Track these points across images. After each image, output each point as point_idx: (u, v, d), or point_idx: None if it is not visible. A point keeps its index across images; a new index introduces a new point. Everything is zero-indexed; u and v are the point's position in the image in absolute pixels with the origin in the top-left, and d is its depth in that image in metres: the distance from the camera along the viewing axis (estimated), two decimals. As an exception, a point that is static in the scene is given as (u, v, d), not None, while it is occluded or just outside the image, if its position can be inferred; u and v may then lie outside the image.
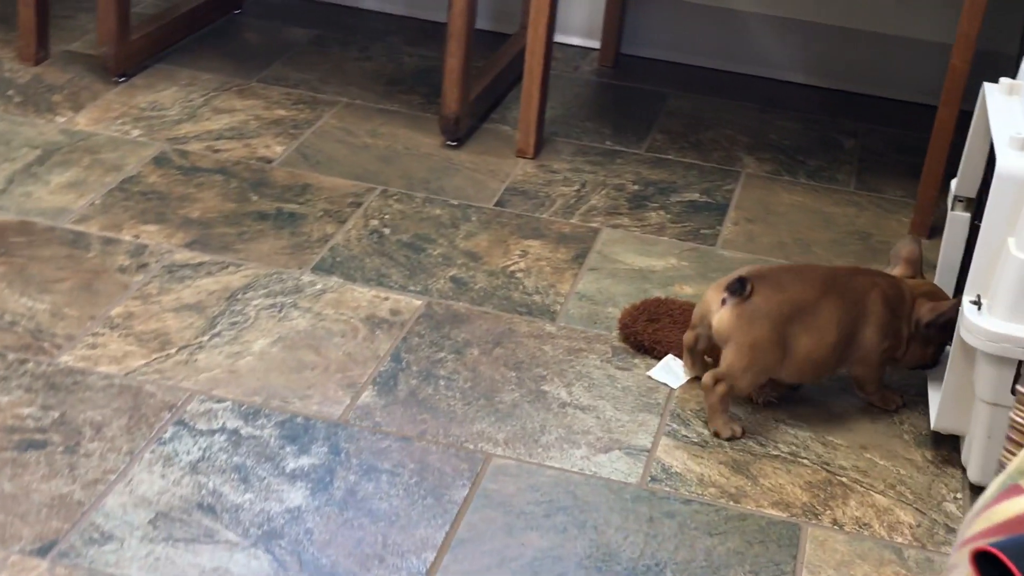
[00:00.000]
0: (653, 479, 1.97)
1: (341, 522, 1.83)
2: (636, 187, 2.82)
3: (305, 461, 1.94)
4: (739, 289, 2.00)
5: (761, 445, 2.07)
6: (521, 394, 2.13)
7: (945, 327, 2.08)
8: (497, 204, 2.70)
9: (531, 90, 2.85)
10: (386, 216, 2.61)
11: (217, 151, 2.79)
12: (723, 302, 2.01)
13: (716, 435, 2.06)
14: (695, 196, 2.81)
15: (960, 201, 2.25)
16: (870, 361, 2.11)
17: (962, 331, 1.92)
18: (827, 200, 2.85)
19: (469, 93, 2.89)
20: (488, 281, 2.43)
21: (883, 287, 2.10)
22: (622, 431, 2.07)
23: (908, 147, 3.12)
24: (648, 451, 2.03)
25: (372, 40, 3.42)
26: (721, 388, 2.04)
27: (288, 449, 1.96)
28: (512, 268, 2.48)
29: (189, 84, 3.07)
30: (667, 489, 1.95)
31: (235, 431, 1.98)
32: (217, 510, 1.83)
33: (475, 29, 2.84)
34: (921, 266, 2.21)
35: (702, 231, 2.67)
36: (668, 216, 2.72)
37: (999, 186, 1.88)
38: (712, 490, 1.96)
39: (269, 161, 2.77)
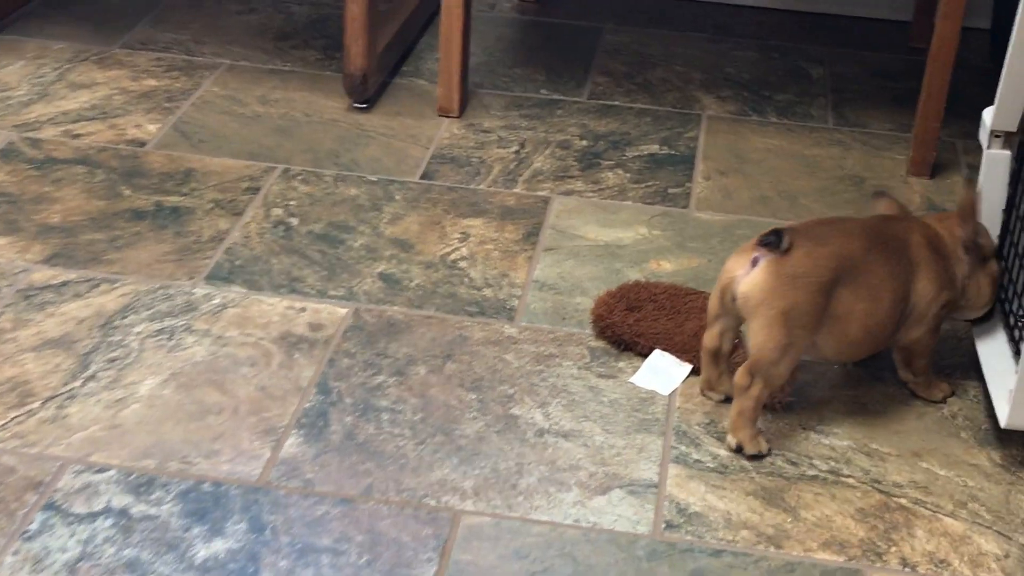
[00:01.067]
0: (669, 525, 1.54)
1: (275, 631, 1.38)
2: (584, 143, 2.38)
3: (219, 546, 1.48)
4: (776, 242, 1.62)
5: (793, 464, 1.65)
6: (486, 423, 1.69)
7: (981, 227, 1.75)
8: (424, 176, 2.24)
9: (450, 34, 2.38)
10: (291, 202, 2.13)
11: (77, 136, 2.29)
12: (753, 263, 1.63)
13: (739, 450, 1.64)
14: (654, 148, 2.37)
15: (998, 137, 1.84)
16: (927, 321, 1.72)
17: (1045, 307, 1.52)
18: (805, 140, 2.43)
19: (376, 43, 2.41)
20: (426, 275, 1.97)
21: (921, 230, 1.74)
22: (619, 462, 1.64)
23: (886, 71, 2.71)
24: (656, 487, 1.60)
25: (253, -11, 2.92)
26: (757, 387, 1.62)
27: (196, 531, 1.50)
28: (453, 256, 2.03)
29: (38, 56, 2.55)
30: (689, 538, 1.53)
31: (124, 511, 1.51)
32: (107, 631, 1.37)
33: (378, -34, 2.37)
34: (905, 208, 1.82)
35: (670, 191, 2.24)
36: (627, 175, 2.28)
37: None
38: (745, 533, 1.54)
39: (142, 144, 2.28)
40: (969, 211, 1.74)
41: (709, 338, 1.71)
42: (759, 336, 1.62)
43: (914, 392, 1.78)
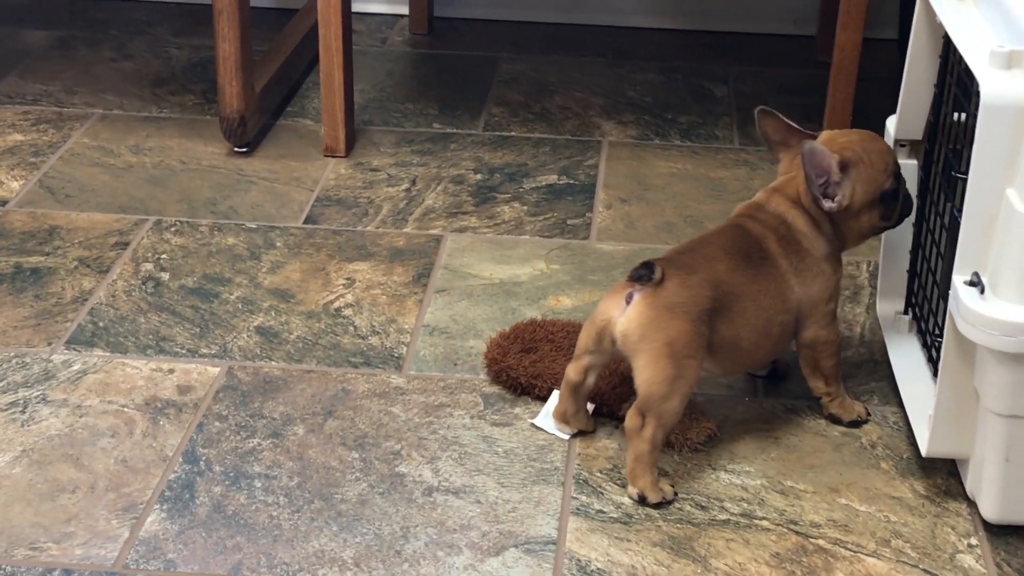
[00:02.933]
0: (569, 586, 1.41)
1: None
2: (479, 176, 2.26)
3: (68, 641, 1.33)
4: (648, 275, 1.52)
5: (702, 508, 1.53)
6: (370, 483, 1.55)
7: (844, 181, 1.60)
8: (307, 221, 2.10)
9: (331, 72, 2.25)
10: (163, 256, 1.99)
11: (-68, 198, 2.14)
12: (628, 300, 1.53)
13: (641, 501, 1.51)
14: (552, 179, 2.26)
15: (903, 146, 1.74)
16: (819, 315, 1.61)
17: (959, 323, 1.41)
18: (710, 163, 2.33)
19: (253, 84, 2.28)
20: (307, 326, 1.84)
21: (774, 224, 1.62)
22: (514, 518, 1.50)
23: (792, 87, 2.61)
24: (555, 543, 1.47)
25: (130, 35, 2.77)
26: (651, 428, 1.50)
27: (42, 626, 1.34)
28: (337, 304, 1.89)
29: None
30: (590, 598, 1.39)
31: (-38, 609, 1.36)
32: None
33: (252, 7, 2.24)
34: (792, 129, 1.66)
35: (569, 222, 2.12)
36: (524, 208, 2.16)
37: (987, 121, 1.36)
38: (651, 589, 1.41)
39: (3, 203, 2.13)
40: (804, 172, 1.57)
41: (574, 371, 1.59)
42: (645, 373, 1.50)
43: (827, 411, 1.66)
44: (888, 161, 1.62)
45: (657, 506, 1.52)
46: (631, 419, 1.52)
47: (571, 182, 2.25)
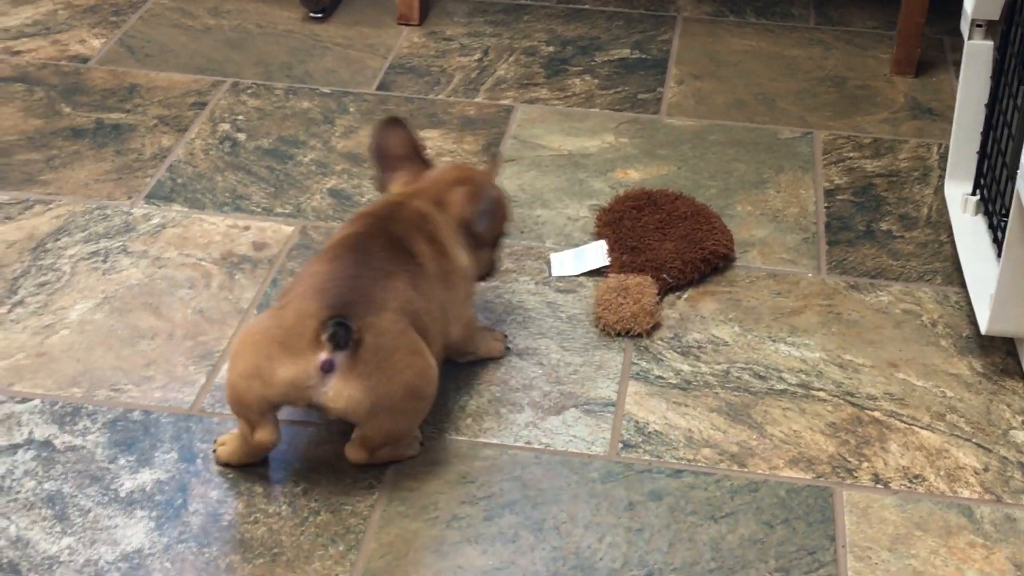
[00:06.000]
0: (626, 445, 1.45)
1: (201, 566, 1.30)
2: (552, 48, 2.26)
3: (147, 476, 1.39)
4: (345, 336, 1.29)
5: (760, 378, 1.56)
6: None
7: (493, 214, 1.52)
8: (380, 88, 2.12)
9: (408, -62, 2.25)
10: (239, 117, 2.03)
11: (17, 53, 2.18)
12: (326, 367, 1.30)
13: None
14: (625, 53, 2.26)
15: (979, 26, 1.72)
16: (465, 318, 1.50)
17: (1025, 203, 1.41)
18: (785, 41, 2.31)
19: (331, -51, 2.29)
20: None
21: (418, 224, 1.46)
22: (575, 380, 1.54)
23: (871, -32, 2.57)
24: (614, 405, 1.51)
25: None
26: (385, 453, 1.39)
27: (122, 461, 1.41)
28: (407, 169, 1.92)
29: (-21, -28, 2.44)
30: (647, 458, 1.44)
31: (47, 443, 1.43)
32: (22, 569, 1.28)
33: None
34: (422, 152, 1.56)
35: (640, 97, 2.13)
36: (595, 81, 2.16)
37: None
38: (707, 451, 1.45)
39: (84, 60, 2.17)
40: (478, 189, 1.51)
41: (265, 436, 1.34)
42: (384, 428, 1.35)
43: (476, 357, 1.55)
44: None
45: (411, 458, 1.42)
46: (356, 454, 1.38)
47: (643, 57, 2.25)
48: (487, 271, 1.58)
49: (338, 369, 1.30)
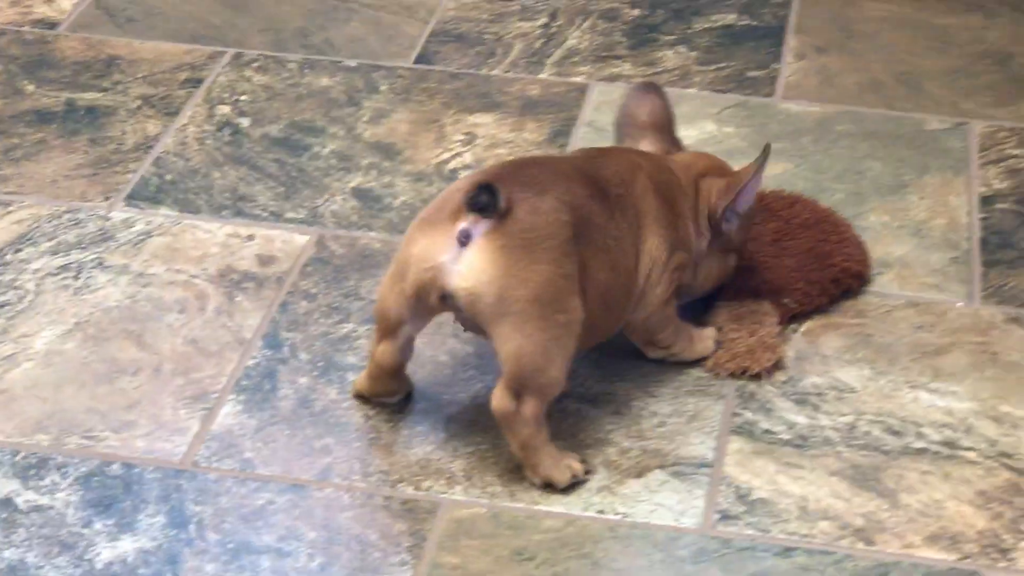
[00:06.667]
0: (725, 516, 1.53)
1: (195, 656, 1.39)
2: (637, 12, 2.35)
3: (128, 545, 1.49)
4: (491, 203, 1.46)
5: (895, 434, 1.63)
6: (486, 384, 1.67)
7: (747, 216, 1.69)
8: (419, 60, 2.22)
9: None
10: (243, 97, 2.13)
11: (-33, 16, 2.30)
12: (463, 241, 1.48)
13: (549, 486, 1.55)
14: (730, 18, 2.34)
15: None
16: (660, 292, 1.64)
17: None
18: (935, 6, 2.39)
19: None
20: (415, 190, 1.97)
21: (648, 169, 1.64)
22: (662, 434, 1.62)
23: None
24: (711, 466, 1.58)
25: None
26: (530, 406, 1.52)
27: (99, 526, 1.51)
28: (453, 164, 2.03)
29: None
30: (750, 532, 1.51)
31: (7, 501, 1.54)
32: (-23, 656, 1.38)
33: None
34: (674, 129, 1.75)
35: (749, 74, 2.21)
36: (693, 54, 2.25)
37: None
38: (825, 525, 1.52)
39: (52, 26, 2.29)
40: (737, 183, 1.67)
41: (388, 354, 1.57)
42: (510, 344, 1.49)
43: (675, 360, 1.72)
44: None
45: (570, 488, 1.55)
46: (500, 401, 1.51)
47: (754, 24, 2.33)
48: (717, 280, 1.74)
49: (473, 241, 1.47)
